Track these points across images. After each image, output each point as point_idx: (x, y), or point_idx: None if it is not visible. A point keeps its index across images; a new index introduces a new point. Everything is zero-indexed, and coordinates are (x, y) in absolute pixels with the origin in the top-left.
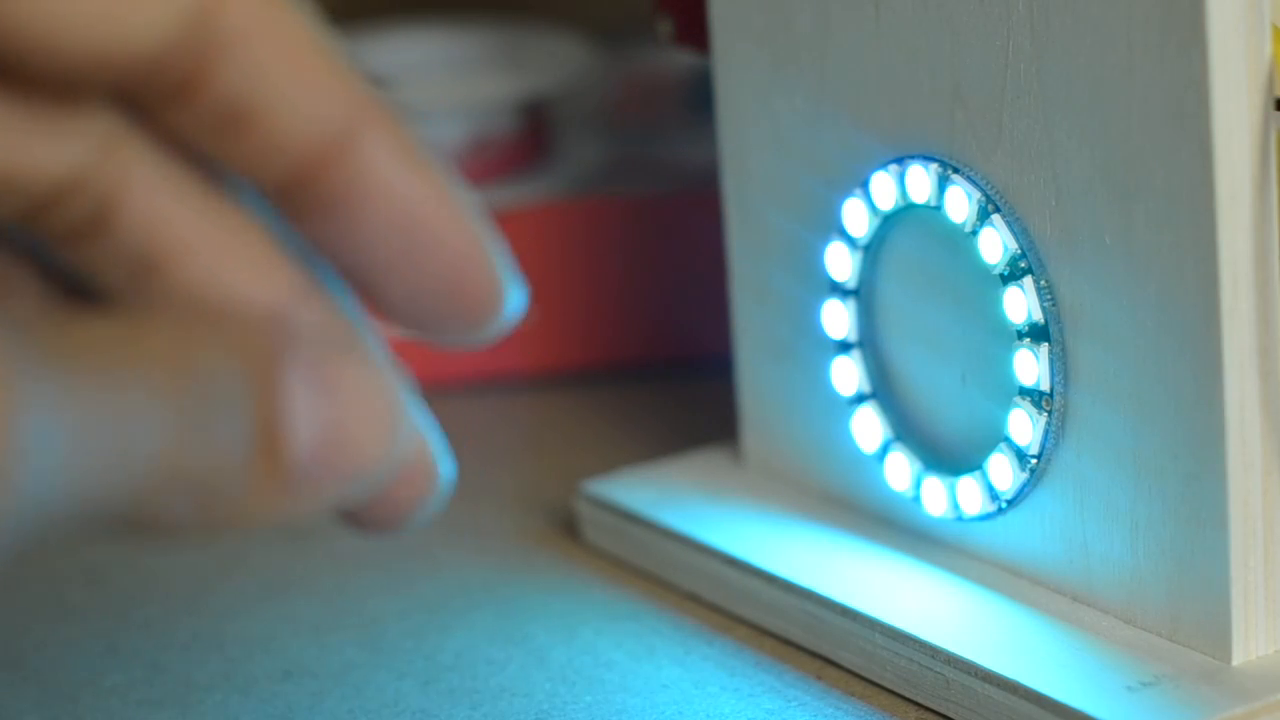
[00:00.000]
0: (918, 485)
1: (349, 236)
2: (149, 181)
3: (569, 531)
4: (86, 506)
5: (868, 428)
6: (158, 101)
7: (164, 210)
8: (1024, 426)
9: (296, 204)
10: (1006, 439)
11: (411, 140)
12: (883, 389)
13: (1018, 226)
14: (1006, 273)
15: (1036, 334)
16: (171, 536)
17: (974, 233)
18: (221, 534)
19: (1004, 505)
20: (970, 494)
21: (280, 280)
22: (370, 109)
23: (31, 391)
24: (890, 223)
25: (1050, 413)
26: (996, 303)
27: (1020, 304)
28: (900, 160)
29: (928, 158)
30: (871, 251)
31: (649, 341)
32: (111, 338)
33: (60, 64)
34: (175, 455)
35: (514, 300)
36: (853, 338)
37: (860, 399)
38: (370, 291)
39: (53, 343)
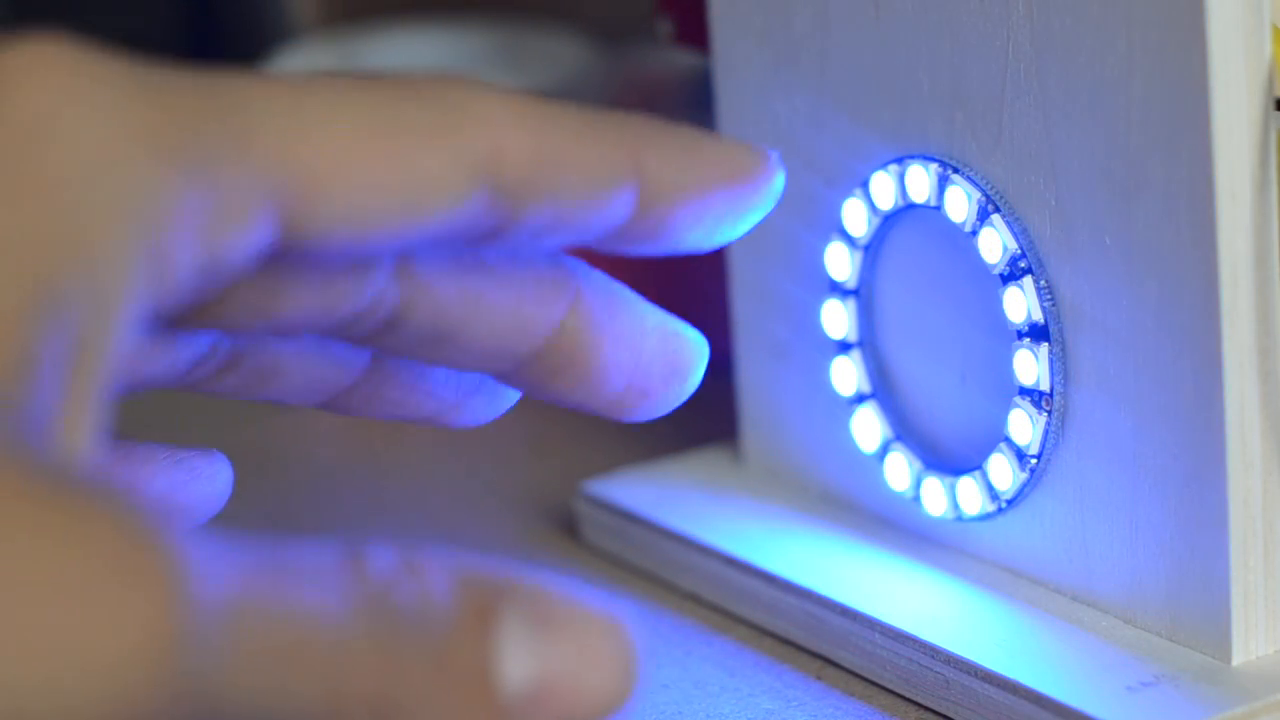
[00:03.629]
0: (918, 485)
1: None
2: (434, 280)
3: (569, 531)
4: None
5: (868, 428)
6: (474, 241)
7: (447, 297)
8: (1024, 426)
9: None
10: (1006, 439)
11: (689, 138)
12: (883, 389)
13: (1018, 226)
14: (1006, 273)
15: (1036, 334)
16: None
17: (974, 233)
18: None
19: (1004, 505)
20: (970, 494)
21: (556, 303)
22: (640, 136)
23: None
24: (890, 223)
25: (1050, 413)
26: (996, 303)
27: (1020, 304)
28: (900, 160)
29: (928, 158)
30: (871, 251)
31: None
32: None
33: (367, 248)
34: (362, 680)
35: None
36: (853, 338)
37: (860, 399)
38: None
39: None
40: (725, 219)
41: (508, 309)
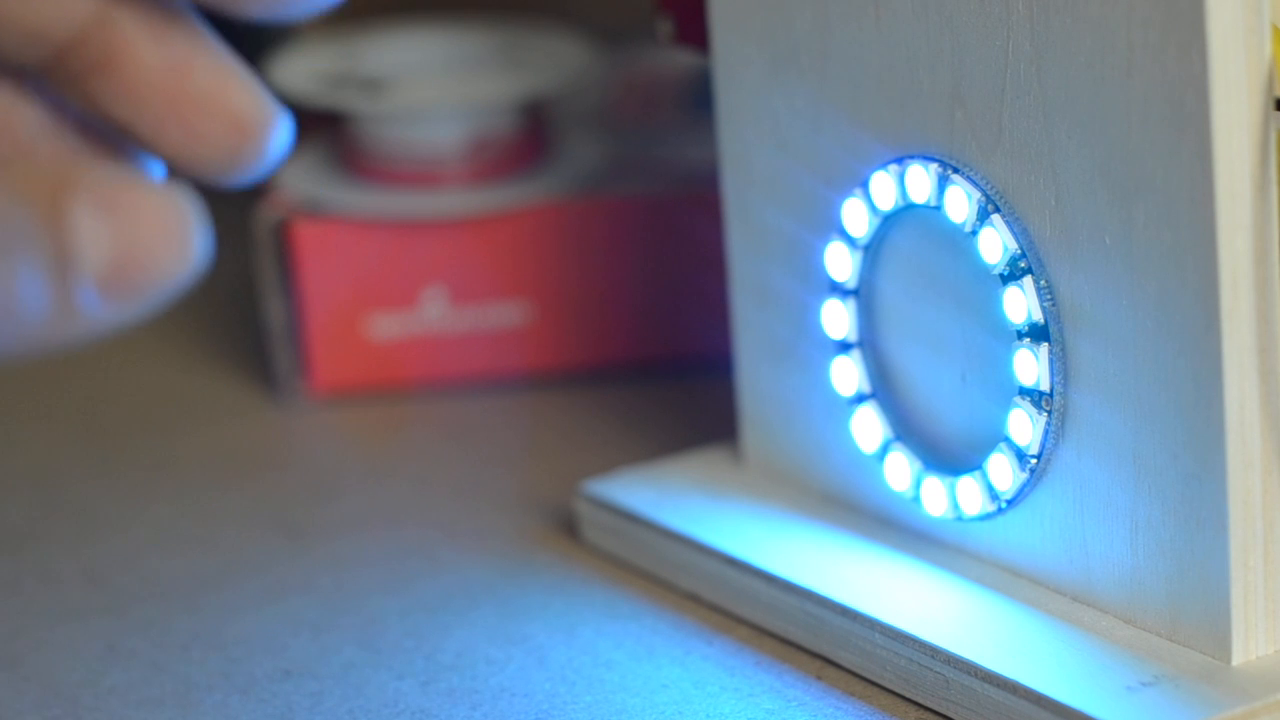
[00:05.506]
0: (918, 485)
1: (118, 98)
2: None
3: (569, 531)
4: None
5: (868, 428)
6: None
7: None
8: (1024, 426)
9: (68, 70)
10: (1006, 439)
11: (165, 10)
12: (883, 389)
13: (1018, 226)
14: (1006, 273)
15: (1036, 334)
16: None
17: (974, 233)
18: (31, 353)
19: (1004, 505)
20: (970, 494)
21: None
22: None
23: None
24: (890, 223)
25: (1050, 413)
26: (996, 303)
27: (1020, 304)
28: (900, 160)
29: (928, 158)
30: (871, 251)
31: (649, 341)
32: None
33: None
34: None
35: (282, 130)
36: (853, 338)
37: (860, 399)
38: (149, 142)
39: None
40: (197, 136)
41: None
